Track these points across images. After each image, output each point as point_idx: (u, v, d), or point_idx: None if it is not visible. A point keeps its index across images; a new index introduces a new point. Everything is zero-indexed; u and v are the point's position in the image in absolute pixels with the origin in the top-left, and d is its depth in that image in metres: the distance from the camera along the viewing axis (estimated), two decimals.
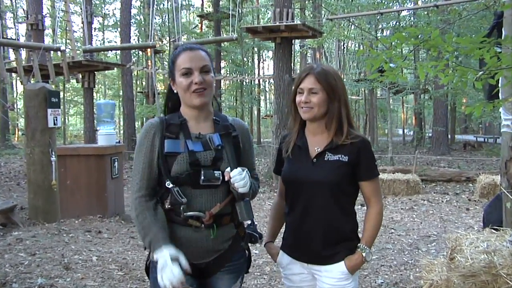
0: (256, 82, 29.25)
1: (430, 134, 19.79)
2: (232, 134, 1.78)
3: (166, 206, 1.69)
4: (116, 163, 6.97)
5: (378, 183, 1.87)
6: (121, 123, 25.08)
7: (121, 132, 21.33)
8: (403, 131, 26.74)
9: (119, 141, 7.51)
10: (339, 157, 1.80)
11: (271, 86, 37.95)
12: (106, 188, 6.74)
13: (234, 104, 25.64)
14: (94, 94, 25.48)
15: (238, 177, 1.64)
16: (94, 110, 17.77)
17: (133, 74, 19.80)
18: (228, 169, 1.68)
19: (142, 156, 1.70)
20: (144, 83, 31.95)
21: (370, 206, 1.86)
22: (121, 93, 22.69)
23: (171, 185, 1.64)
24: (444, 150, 16.55)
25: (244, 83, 27.11)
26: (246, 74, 23.70)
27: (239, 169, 1.67)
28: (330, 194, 1.79)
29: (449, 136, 19.72)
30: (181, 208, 1.65)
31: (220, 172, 1.68)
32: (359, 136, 1.82)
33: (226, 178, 1.66)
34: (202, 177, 1.65)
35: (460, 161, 13.58)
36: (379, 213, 1.85)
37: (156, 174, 1.70)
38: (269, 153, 11.43)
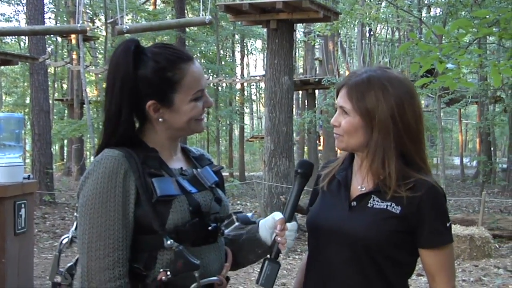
0: (239, 86, 29.47)
1: (505, 166, 19.94)
2: (219, 169, 1.98)
3: (161, 279, 1.69)
4: (23, 210, 6.83)
5: (449, 254, 1.87)
6: (28, 147, 24.86)
7: (28, 161, 21.09)
8: (462, 161, 27.04)
9: (29, 176, 7.39)
10: (387, 206, 1.82)
11: (261, 93, 38.29)
12: (5, 250, 6.56)
13: (206, 119, 25.68)
14: None
15: (294, 233, 1.86)
16: None
17: (48, 73, 19.72)
18: (280, 215, 1.86)
19: (111, 212, 1.68)
20: (65, 86, 31.95)
21: (433, 287, 1.86)
22: (28, 101, 22.48)
23: (175, 245, 1.69)
24: None
25: (221, 88, 27.23)
26: (224, 75, 23.88)
27: (295, 222, 1.88)
28: (367, 257, 1.81)
29: None
30: (196, 276, 1.71)
31: (248, 215, 1.89)
32: (423, 183, 1.81)
33: (278, 229, 1.83)
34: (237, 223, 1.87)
35: None
36: None
37: (131, 234, 1.72)
38: (259, 193, 11.40)
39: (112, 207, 1.68)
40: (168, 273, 1.69)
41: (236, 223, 1.82)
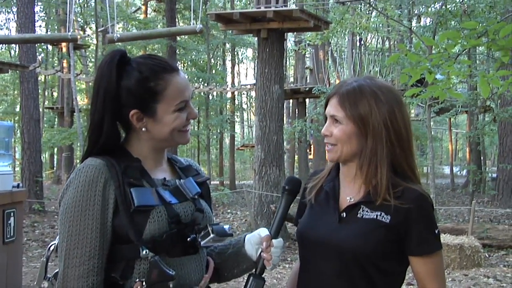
0: (229, 95, 29.50)
1: (494, 175, 19.99)
2: (205, 180, 2.00)
3: None
4: (12, 218, 6.80)
5: (439, 262, 1.89)
6: (18, 155, 24.74)
7: (18, 169, 21.00)
8: (452, 170, 27.08)
9: (19, 184, 7.38)
10: (377, 215, 1.83)
11: (251, 102, 38.34)
12: None
13: (196, 128, 25.69)
14: None
15: (280, 250, 1.86)
16: None
17: (39, 81, 19.66)
18: (266, 231, 1.88)
19: (89, 220, 1.70)
20: (56, 94, 31.89)
21: None
22: (18, 110, 22.39)
23: (150, 255, 1.71)
24: None
25: (211, 96, 27.23)
26: (214, 84, 23.89)
27: (281, 239, 1.88)
28: (357, 268, 1.82)
29: None
30: (170, 287, 1.71)
31: (225, 227, 1.86)
32: (412, 191, 1.83)
33: (264, 246, 1.85)
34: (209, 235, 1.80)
35: None
36: None
37: (109, 243, 1.74)
38: (249, 202, 11.39)
39: (90, 215, 1.70)
40: (144, 283, 1.69)
41: (212, 235, 1.79)
